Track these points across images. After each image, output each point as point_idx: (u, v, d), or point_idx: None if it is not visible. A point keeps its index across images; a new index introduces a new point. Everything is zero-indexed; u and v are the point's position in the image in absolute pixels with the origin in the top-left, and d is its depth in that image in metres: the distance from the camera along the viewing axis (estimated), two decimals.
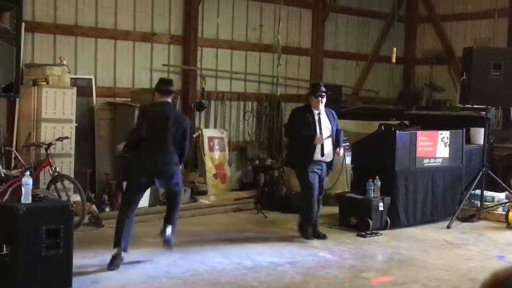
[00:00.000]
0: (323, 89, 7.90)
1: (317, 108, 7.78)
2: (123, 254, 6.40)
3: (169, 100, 6.66)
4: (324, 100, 7.82)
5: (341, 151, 8.06)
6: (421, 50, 14.15)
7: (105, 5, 9.69)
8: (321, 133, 7.72)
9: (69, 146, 8.56)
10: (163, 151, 6.46)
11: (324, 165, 7.84)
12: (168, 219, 6.77)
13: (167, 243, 6.70)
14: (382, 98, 13.67)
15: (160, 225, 6.96)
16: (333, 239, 7.84)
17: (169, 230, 6.69)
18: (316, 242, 7.74)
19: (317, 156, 7.72)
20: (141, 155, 6.48)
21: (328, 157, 7.83)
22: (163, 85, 6.73)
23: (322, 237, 7.91)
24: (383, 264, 7.08)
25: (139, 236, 7.78)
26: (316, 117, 7.78)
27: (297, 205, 9.57)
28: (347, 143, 10.34)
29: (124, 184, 7.02)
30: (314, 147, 7.68)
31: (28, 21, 8.82)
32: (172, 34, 10.46)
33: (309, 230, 7.85)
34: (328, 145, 7.79)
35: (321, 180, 7.91)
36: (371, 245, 7.69)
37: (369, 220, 8.19)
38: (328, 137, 7.75)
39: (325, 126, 7.80)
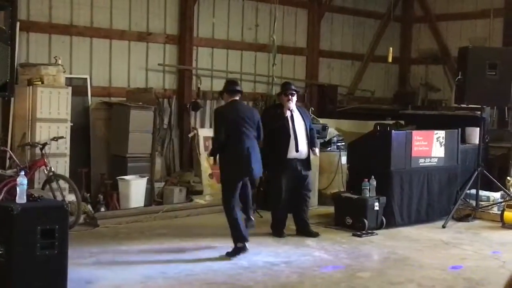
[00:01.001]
0: (293, 87, 8.05)
1: (288, 107, 7.90)
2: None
3: (237, 98, 7.15)
4: (295, 98, 7.98)
5: (317, 150, 8.23)
6: (416, 50, 14.17)
7: (100, 5, 9.68)
8: (294, 129, 7.83)
9: (64, 146, 8.54)
10: (249, 144, 6.97)
11: (299, 163, 7.90)
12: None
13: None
14: (378, 97, 13.69)
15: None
16: (328, 239, 7.84)
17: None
18: (311, 242, 7.74)
19: (291, 153, 7.81)
20: (231, 157, 6.97)
21: (302, 154, 7.90)
22: (231, 85, 7.25)
23: (314, 235, 7.96)
24: (379, 264, 7.08)
25: (134, 235, 7.78)
26: (288, 114, 7.91)
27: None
28: (343, 143, 10.36)
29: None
30: (288, 144, 7.76)
31: (23, 21, 8.80)
32: (168, 33, 10.45)
33: (281, 229, 7.99)
34: (302, 142, 7.88)
35: (303, 177, 7.96)
36: (366, 245, 7.69)
37: (365, 220, 8.19)
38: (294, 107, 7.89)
39: (298, 122, 7.92)
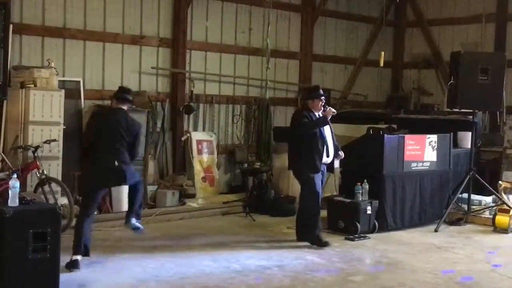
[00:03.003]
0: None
1: (319, 110, 7.81)
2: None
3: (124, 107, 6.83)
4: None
5: (342, 153, 8.10)
6: (409, 54, 14.22)
7: (93, 8, 9.66)
8: (324, 134, 7.73)
9: (57, 148, 8.52)
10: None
11: (325, 167, 7.87)
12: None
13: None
14: (371, 101, 13.73)
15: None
16: None
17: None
18: (303, 245, 7.74)
19: (324, 158, 7.74)
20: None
21: (331, 158, 7.89)
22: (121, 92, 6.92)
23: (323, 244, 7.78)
24: (371, 268, 7.10)
25: (127, 239, 7.76)
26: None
27: (287, 208, 9.64)
28: None
29: None
30: (323, 149, 7.67)
31: (16, 23, 8.78)
32: (161, 37, 10.45)
33: (320, 236, 7.73)
34: (331, 147, 7.85)
35: (323, 182, 7.93)
36: (359, 249, 7.71)
37: (357, 224, 8.21)
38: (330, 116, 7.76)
39: (326, 128, 7.84)
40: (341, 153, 8.09)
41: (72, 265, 6.31)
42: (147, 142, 9.54)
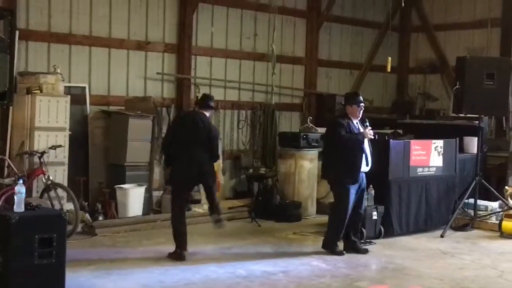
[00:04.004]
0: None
1: (357, 117, 7.64)
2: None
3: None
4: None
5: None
6: (414, 60, 14.21)
7: (99, 14, 9.71)
8: (363, 144, 7.53)
9: (63, 154, 8.54)
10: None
11: (363, 176, 7.66)
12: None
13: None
14: (376, 107, 13.70)
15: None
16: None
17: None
18: (310, 251, 7.73)
19: (364, 167, 7.56)
20: None
21: (367, 167, 7.67)
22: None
23: (362, 251, 7.72)
24: (377, 273, 7.08)
25: (132, 244, 7.77)
26: (357, 126, 7.63)
27: (293, 214, 9.63)
28: None
29: None
30: (361, 157, 7.48)
31: (22, 29, 8.83)
32: (166, 42, 10.48)
33: (338, 247, 7.62)
34: (369, 155, 7.63)
35: (363, 191, 7.73)
36: (364, 254, 7.68)
37: (363, 229, 8.18)
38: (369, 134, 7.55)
39: None
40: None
41: (179, 258, 7.06)
42: (153, 147, 9.54)
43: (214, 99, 7.69)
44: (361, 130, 7.61)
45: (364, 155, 7.55)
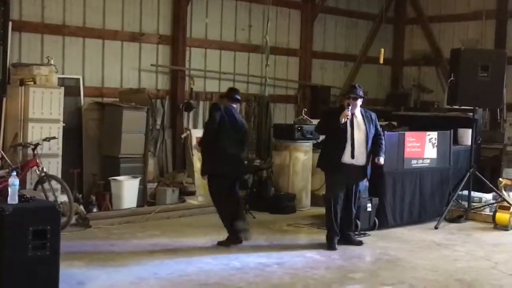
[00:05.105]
0: (358, 91, 7.55)
1: (348, 108, 7.40)
2: None
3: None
4: (358, 102, 7.50)
5: (381, 159, 7.59)
6: (409, 51, 14.21)
7: (93, 5, 9.66)
8: (352, 134, 7.42)
9: (57, 146, 8.52)
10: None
11: (355, 169, 7.50)
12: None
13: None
14: (371, 99, 13.62)
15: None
16: (320, 240, 7.83)
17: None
18: (304, 243, 7.74)
19: (346, 158, 7.40)
20: None
21: (359, 161, 7.47)
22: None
23: (357, 243, 7.69)
24: (371, 265, 7.09)
25: (127, 236, 7.76)
26: (349, 117, 7.41)
27: (287, 206, 9.64)
28: None
29: None
30: (343, 148, 7.38)
31: (15, 20, 8.78)
32: (161, 34, 10.44)
33: (334, 241, 7.54)
34: (360, 148, 7.46)
35: (356, 185, 7.66)
36: (359, 246, 7.69)
37: (357, 221, 8.19)
38: (352, 114, 7.42)
39: (357, 127, 7.48)
40: (380, 160, 7.57)
41: (236, 241, 7.37)
42: (147, 139, 9.53)
43: (239, 92, 7.81)
44: (358, 124, 7.48)
45: (349, 145, 7.40)
